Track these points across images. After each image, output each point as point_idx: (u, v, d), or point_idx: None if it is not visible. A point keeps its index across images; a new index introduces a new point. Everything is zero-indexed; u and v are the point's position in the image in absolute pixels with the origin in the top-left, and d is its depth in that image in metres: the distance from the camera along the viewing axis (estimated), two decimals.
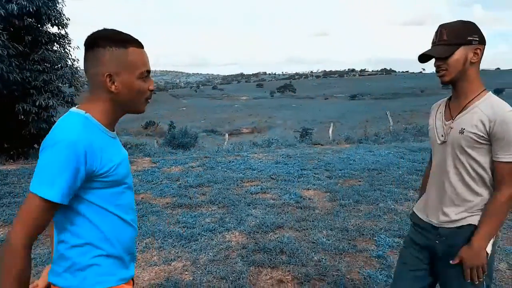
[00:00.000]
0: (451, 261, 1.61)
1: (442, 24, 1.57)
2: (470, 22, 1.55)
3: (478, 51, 1.53)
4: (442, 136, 1.65)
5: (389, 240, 3.71)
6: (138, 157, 8.43)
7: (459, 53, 1.52)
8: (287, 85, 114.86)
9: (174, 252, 3.52)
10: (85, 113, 1.19)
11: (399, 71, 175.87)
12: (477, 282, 1.57)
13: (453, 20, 1.60)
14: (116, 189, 1.23)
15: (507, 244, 3.59)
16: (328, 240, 3.75)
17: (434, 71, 1.63)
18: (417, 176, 6.08)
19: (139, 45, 1.23)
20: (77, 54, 12.22)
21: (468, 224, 1.62)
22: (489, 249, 1.58)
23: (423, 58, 1.61)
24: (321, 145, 9.76)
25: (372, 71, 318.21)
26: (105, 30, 1.22)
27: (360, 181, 5.94)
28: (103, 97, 1.21)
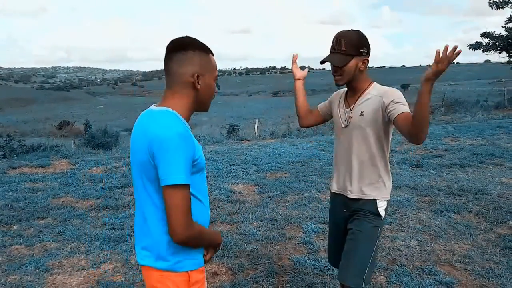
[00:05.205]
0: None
1: (340, 33, 1.86)
2: (363, 34, 1.87)
3: (366, 61, 1.88)
4: (345, 121, 1.97)
5: (314, 226, 3.95)
6: (54, 159, 7.83)
7: (352, 63, 1.85)
8: None
9: (103, 255, 3.38)
10: (172, 110, 1.32)
11: (316, 69, 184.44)
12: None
13: (349, 29, 1.89)
14: (200, 175, 1.37)
15: (416, 223, 4.04)
16: (259, 230, 3.89)
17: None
18: None
19: (213, 53, 1.42)
20: None
21: (372, 199, 1.93)
22: (382, 213, 1.94)
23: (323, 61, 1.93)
24: (248, 140, 9.95)
25: None
26: (189, 37, 1.37)
27: (286, 174, 6.21)
28: (187, 94, 1.36)
